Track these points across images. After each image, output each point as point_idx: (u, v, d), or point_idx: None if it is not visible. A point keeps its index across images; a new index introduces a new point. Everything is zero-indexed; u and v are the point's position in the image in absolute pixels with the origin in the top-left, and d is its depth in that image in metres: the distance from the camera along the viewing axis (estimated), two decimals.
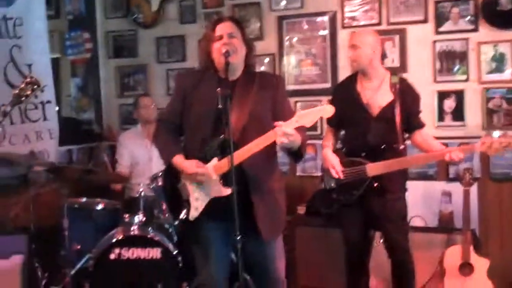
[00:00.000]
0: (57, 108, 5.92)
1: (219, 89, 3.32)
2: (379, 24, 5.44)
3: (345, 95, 4.40)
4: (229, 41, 3.47)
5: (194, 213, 3.51)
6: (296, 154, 3.47)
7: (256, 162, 3.42)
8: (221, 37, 3.49)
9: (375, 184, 4.23)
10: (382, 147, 4.23)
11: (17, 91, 3.77)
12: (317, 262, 5.12)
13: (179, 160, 3.53)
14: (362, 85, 4.36)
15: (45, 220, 5.46)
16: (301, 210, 5.36)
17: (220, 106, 3.28)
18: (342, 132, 4.57)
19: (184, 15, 6.25)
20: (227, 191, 3.36)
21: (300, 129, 3.31)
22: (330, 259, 5.02)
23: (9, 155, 5.09)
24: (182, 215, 3.56)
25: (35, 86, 3.80)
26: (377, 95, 4.29)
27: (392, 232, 4.30)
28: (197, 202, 3.51)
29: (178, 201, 3.59)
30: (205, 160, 3.47)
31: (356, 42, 4.30)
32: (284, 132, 3.22)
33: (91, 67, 6.67)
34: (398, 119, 4.19)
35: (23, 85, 3.78)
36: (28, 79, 3.81)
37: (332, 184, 4.40)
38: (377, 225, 4.43)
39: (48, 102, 5.64)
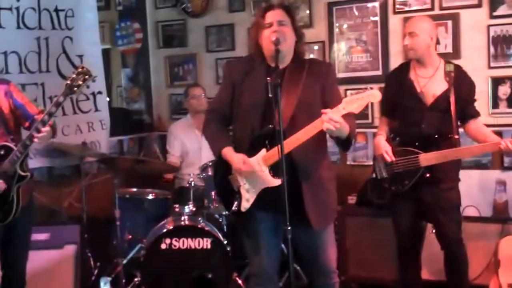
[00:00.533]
0: (108, 99, 5.97)
1: (269, 78, 3.28)
2: (431, 9, 5.29)
3: (398, 83, 4.32)
4: (279, 29, 3.41)
5: (245, 204, 3.49)
6: (344, 143, 3.40)
7: (306, 151, 3.37)
8: (270, 25, 3.44)
9: (428, 175, 4.15)
10: (436, 136, 4.16)
11: (69, 82, 3.78)
12: (368, 253, 5.04)
13: (228, 152, 3.50)
14: (415, 73, 4.27)
15: (97, 210, 5.55)
16: (352, 200, 5.29)
17: (270, 95, 3.24)
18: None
19: (233, 3, 6.21)
20: (277, 181, 3.31)
21: (349, 117, 3.24)
22: (381, 249, 4.95)
23: (62, 146, 5.15)
24: (234, 207, 3.54)
25: (87, 76, 3.80)
26: (431, 83, 4.20)
27: (445, 223, 4.21)
28: (248, 194, 3.48)
29: (229, 192, 3.57)
30: (254, 150, 3.44)
31: (414, 29, 4.19)
32: (331, 119, 3.15)
33: (141, 57, 6.72)
34: (453, 108, 4.10)
35: (74, 75, 3.80)
36: (80, 69, 3.82)
37: (384, 174, 4.34)
38: (429, 216, 4.35)
39: (99, 93, 5.70)
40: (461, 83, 4.18)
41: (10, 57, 4.93)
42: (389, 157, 4.23)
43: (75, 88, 3.77)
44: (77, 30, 5.46)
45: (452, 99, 4.11)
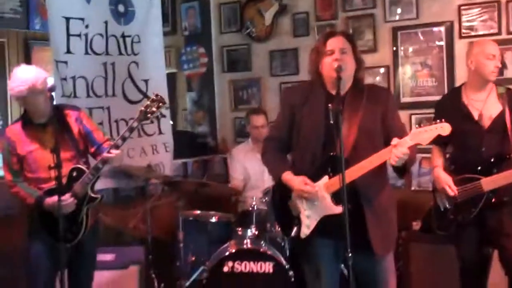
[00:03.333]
0: (171, 122, 6.06)
1: (330, 105, 3.28)
2: (498, 33, 5.22)
3: (452, 109, 4.25)
4: (340, 57, 3.42)
5: (305, 231, 3.49)
6: (401, 170, 3.39)
7: (368, 179, 3.36)
8: (332, 52, 3.44)
9: (493, 199, 4.08)
10: (496, 159, 4.10)
11: (143, 108, 3.91)
12: (432, 280, 4.96)
13: (288, 176, 3.51)
14: (467, 97, 4.25)
15: (161, 232, 5.62)
16: (416, 226, 5.22)
17: (331, 121, 3.24)
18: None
19: (297, 28, 6.26)
20: (339, 209, 3.31)
21: (411, 146, 3.25)
22: (445, 277, 4.84)
23: (128, 168, 5.24)
24: (294, 233, 3.54)
25: (161, 104, 3.94)
26: (486, 106, 4.18)
27: (509, 248, 4.12)
28: (308, 220, 3.48)
29: (289, 217, 3.58)
30: (316, 177, 3.44)
31: (496, 51, 4.20)
32: (400, 152, 3.17)
33: (206, 81, 6.81)
34: (509, 128, 4.08)
35: (149, 102, 3.92)
36: (154, 97, 3.94)
37: (447, 205, 4.27)
38: (493, 241, 4.26)
39: (163, 116, 5.76)
40: None
41: (78, 82, 5.07)
42: (452, 191, 4.18)
43: (149, 115, 3.91)
44: (143, 55, 5.57)
45: (508, 120, 4.09)
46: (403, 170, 3.39)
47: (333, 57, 3.43)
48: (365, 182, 3.38)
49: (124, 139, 3.89)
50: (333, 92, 3.43)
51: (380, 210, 3.47)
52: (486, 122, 4.15)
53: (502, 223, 4.10)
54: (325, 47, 3.47)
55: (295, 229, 3.53)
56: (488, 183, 4.06)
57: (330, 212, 3.39)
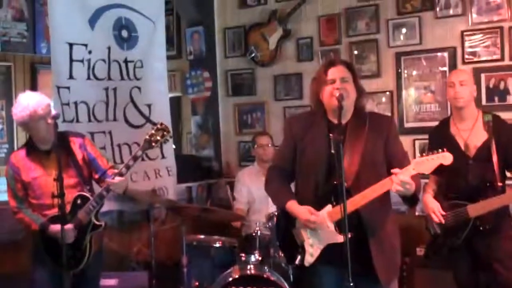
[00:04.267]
0: (174, 146, 6.08)
1: (331, 134, 3.30)
2: (501, 59, 5.25)
3: (440, 139, 4.28)
4: (341, 85, 3.44)
5: (309, 259, 3.49)
6: (410, 200, 3.41)
7: (372, 207, 3.37)
8: (333, 81, 3.46)
9: (479, 226, 4.13)
10: (481, 186, 4.14)
11: (147, 137, 3.95)
12: None
13: (293, 206, 3.52)
14: (456, 127, 4.31)
15: (165, 256, 5.62)
16: (420, 251, 5.20)
17: (332, 151, 3.26)
18: None
19: (301, 53, 6.31)
20: (342, 238, 3.30)
21: (415, 175, 3.27)
22: None
23: (132, 192, 5.24)
24: (297, 261, 3.54)
25: (165, 133, 3.97)
26: (472, 135, 4.23)
27: (501, 272, 4.14)
28: (312, 248, 3.49)
29: (292, 245, 3.58)
30: (319, 206, 3.45)
31: (464, 78, 4.26)
32: (401, 181, 3.19)
33: (211, 105, 6.86)
34: (495, 157, 4.12)
35: (153, 131, 3.96)
36: (159, 126, 3.97)
37: (438, 230, 4.31)
38: (485, 267, 4.26)
39: (166, 140, 5.81)
40: (501, 132, 4.20)
41: (80, 107, 5.10)
42: (436, 216, 4.23)
43: (154, 144, 3.94)
44: (145, 80, 5.60)
45: (493, 148, 4.13)
46: (411, 200, 3.40)
47: (334, 86, 3.45)
48: (369, 210, 3.38)
49: (128, 167, 3.93)
50: (335, 121, 3.44)
51: (383, 238, 3.48)
52: (472, 151, 4.21)
53: (491, 248, 4.14)
54: (326, 76, 3.49)
55: (298, 257, 3.53)
56: (473, 209, 4.12)
57: (333, 241, 3.40)
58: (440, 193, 4.38)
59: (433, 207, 4.27)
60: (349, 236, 3.18)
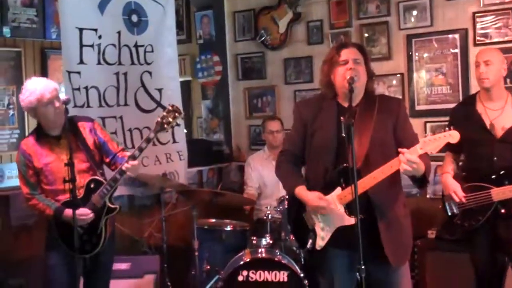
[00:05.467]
0: (185, 131, 6.08)
1: (342, 118, 3.28)
2: None
3: (465, 116, 4.25)
4: (354, 67, 3.43)
5: (320, 243, 3.50)
6: (420, 181, 3.40)
7: (381, 189, 3.36)
8: (346, 62, 3.45)
9: (503, 210, 4.07)
10: (508, 170, 4.06)
11: (159, 119, 3.94)
12: (448, 287, 4.93)
13: (302, 191, 3.52)
14: (483, 106, 4.22)
15: (176, 240, 5.65)
16: (432, 234, 5.20)
17: (343, 134, 3.25)
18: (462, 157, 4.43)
19: (311, 36, 6.26)
20: (352, 220, 3.33)
21: (424, 156, 3.25)
22: (461, 285, 4.82)
23: (143, 176, 5.26)
24: (309, 245, 3.55)
25: (177, 114, 3.96)
26: (501, 116, 4.14)
27: None
28: (323, 232, 3.49)
29: (303, 230, 3.59)
30: (329, 189, 3.46)
31: (489, 57, 4.15)
32: (409, 160, 3.17)
33: (221, 89, 6.85)
34: None
35: (165, 113, 3.95)
36: (170, 107, 3.97)
37: (455, 210, 4.27)
38: (505, 251, 4.24)
39: (177, 124, 5.80)
40: None
41: (91, 92, 5.11)
42: (458, 197, 4.18)
43: (166, 125, 3.93)
44: (156, 64, 5.59)
45: None
46: (421, 180, 3.39)
47: (346, 67, 3.44)
48: (378, 192, 3.38)
49: (141, 150, 3.92)
50: (345, 104, 3.46)
51: (394, 220, 3.47)
52: (498, 132, 4.12)
53: None
54: (339, 57, 3.48)
55: (310, 241, 3.54)
56: (498, 193, 4.05)
57: (344, 224, 3.41)
58: (459, 174, 4.32)
59: (454, 188, 4.20)
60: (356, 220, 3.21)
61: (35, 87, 3.83)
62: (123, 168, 3.87)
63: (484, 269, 4.27)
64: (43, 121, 3.96)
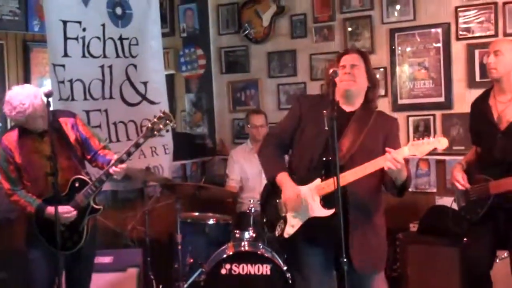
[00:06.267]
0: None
1: (325, 111, 3.31)
2: (495, 35, 5.20)
3: (478, 109, 4.27)
4: (350, 71, 3.53)
5: (289, 230, 3.54)
6: (400, 188, 3.43)
7: (361, 190, 3.43)
8: (344, 67, 3.56)
9: (499, 203, 4.05)
10: (508, 163, 4.02)
11: (150, 125, 3.92)
12: (429, 282, 4.96)
13: (283, 179, 3.56)
14: (494, 98, 4.18)
15: (159, 234, 5.65)
16: (414, 227, 5.23)
17: (326, 128, 3.27)
18: None
19: (295, 29, 6.26)
20: (326, 212, 3.39)
21: (406, 164, 3.32)
22: (443, 278, 4.89)
23: (127, 170, 5.24)
24: (277, 231, 3.59)
25: (167, 121, 3.95)
26: (507, 109, 4.08)
27: None
28: (294, 220, 3.53)
29: (275, 216, 3.63)
30: (309, 179, 3.51)
31: (500, 47, 4.09)
32: (394, 158, 3.21)
33: (204, 82, 6.84)
34: None
35: (156, 120, 3.93)
36: (161, 114, 3.95)
37: (461, 202, 4.28)
38: (504, 244, 4.19)
39: (168, 130, 5.79)
40: None
41: (76, 85, 5.09)
42: (460, 184, 4.18)
43: (156, 132, 3.91)
44: (141, 57, 5.57)
45: None
46: (401, 187, 3.42)
47: (343, 71, 3.53)
48: (357, 192, 3.43)
49: (129, 154, 3.92)
50: (344, 106, 3.56)
51: (367, 225, 3.52)
52: (504, 125, 4.07)
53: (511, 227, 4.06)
54: (339, 63, 3.60)
55: (279, 227, 3.58)
56: (495, 186, 4.03)
57: (316, 214, 3.45)
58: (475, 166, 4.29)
59: (456, 176, 4.20)
60: (332, 212, 3.28)
61: (23, 103, 3.72)
62: (111, 171, 3.86)
63: (477, 264, 4.22)
64: (30, 126, 3.91)
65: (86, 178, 4.00)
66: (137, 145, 3.92)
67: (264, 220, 3.81)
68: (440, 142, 3.26)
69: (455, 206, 4.43)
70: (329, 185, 3.28)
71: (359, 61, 3.59)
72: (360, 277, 3.50)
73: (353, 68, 3.55)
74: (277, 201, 3.61)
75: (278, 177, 3.58)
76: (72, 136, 4.03)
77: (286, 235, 3.54)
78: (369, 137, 3.50)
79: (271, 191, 3.68)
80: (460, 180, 4.18)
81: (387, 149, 3.27)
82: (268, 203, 3.74)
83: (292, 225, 3.53)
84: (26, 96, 3.76)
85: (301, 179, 3.52)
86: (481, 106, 4.24)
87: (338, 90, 3.53)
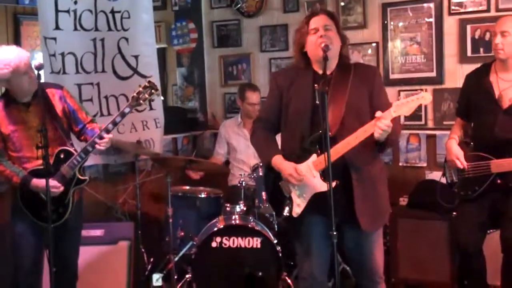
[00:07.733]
0: (162, 98, 6.05)
1: (316, 85, 3.29)
2: (487, 10, 5.20)
3: (476, 84, 4.23)
4: (325, 33, 3.44)
5: (297, 210, 3.54)
6: (382, 144, 3.41)
7: (358, 154, 3.39)
8: (316, 30, 3.46)
9: (499, 181, 4.07)
10: (510, 143, 4.02)
11: (135, 95, 3.93)
12: (419, 255, 5.01)
13: (278, 161, 3.54)
14: (496, 75, 4.16)
15: (151, 207, 5.67)
16: (403, 201, 5.27)
17: (317, 102, 3.27)
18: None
19: (287, 4, 6.23)
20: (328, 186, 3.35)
21: (395, 120, 3.27)
22: (432, 251, 4.93)
23: (117, 143, 5.23)
24: (285, 212, 3.58)
25: (153, 90, 3.96)
26: (511, 88, 4.07)
27: (511, 232, 4.08)
28: (299, 199, 3.52)
29: (280, 197, 3.62)
30: (304, 156, 3.48)
31: (507, 28, 4.05)
32: (384, 124, 3.20)
33: (196, 56, 6.80)
34: None
35: (141, 89, 3.94)
36: (147, 83, 3.95)
37: (454, 178, 4.28)
38: (497, 222, 4.22)
39: (152, 100, 5.77)
40: None
41: (67, 58, 5.05)
42: (461, 164, 4.18)
43: (141, 101, 3.92)
44: (133, 31, 5.54)
45: None
46: (383, 144, 3.41)
47: (317, 35, 3.44)
48: (356, 158, 3.41)
49: (115, 124, 3.90)
50: (320, 71, 3.46)
51: (370, 186, 3.50)
52: (505, 103, 4.06)
53: (508, 207, 4.07)
54: (309, 26, 3.50)
55: (286, 208, 3.57)
56: (497, 165, 4.04)
57: (319, 190, 3.43)
58: (465, 141, 4.30)
59: (457, 153, 4.20)
60: (334, 184, 3.24)
61: (9, 58, 3.72)
62: (96, 140, 3.85)
63: (468, 240, 4.24)
64: (15, 90, 3.88)
65: (71, 149, 3.98)
66: (122, 115, 3.91)
67: (271, 204, 3.86)
68: (424, 97, 3.23)
69: (443, 181, 4.46)
70: (325, 159, 3.25)
71: (330, 22, 3.50)
72: (361, 236, 3.53)
73: (327, 31, 3.46)
74: (279, 183, 3.60)
75: (273, 160, 3.56)
76: (59, 107, 4.00)
77: (295, 215, 3.54)
78: (353, 95, 3.44)
79: (272, 175, 3.64)
80: (461, 159, 4.18)
81: (376, 115, 3.23)
82: (271, 187, 3.71)
83: (298, 204, 3.52)
84: (10, 52, 3.76)
85: (298, 157, 3.50)
86: (481, 81, 4.20)
87: (314, 55, 3.48)
